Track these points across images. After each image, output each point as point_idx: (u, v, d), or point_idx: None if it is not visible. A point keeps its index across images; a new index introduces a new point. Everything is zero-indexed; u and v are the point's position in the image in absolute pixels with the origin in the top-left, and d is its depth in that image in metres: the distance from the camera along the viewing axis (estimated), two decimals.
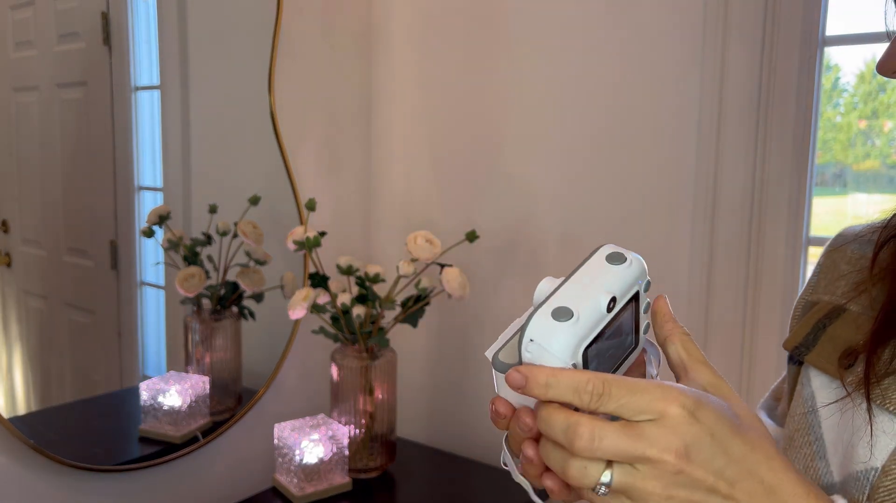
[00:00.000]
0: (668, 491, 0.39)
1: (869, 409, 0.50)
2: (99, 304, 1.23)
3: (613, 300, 0.42)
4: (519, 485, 0.47)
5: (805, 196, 1.21)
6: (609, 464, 0.39)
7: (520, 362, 0.41)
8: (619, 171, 1.37)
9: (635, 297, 0.45)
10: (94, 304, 1.23)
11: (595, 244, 0.46)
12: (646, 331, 0.48)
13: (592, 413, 0.39)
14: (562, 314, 0.40)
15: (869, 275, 0.55)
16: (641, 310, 0.47)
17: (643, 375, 0.50)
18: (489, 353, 0.44)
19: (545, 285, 0.44)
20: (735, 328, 1.26)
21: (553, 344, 0.40)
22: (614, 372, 0.45)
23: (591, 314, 0.41)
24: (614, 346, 0.44)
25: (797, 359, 0.60)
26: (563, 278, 0.44)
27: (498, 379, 0.43)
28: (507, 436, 0.47)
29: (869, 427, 0.50)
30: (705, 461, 0.39)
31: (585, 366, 0.41)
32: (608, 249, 0.45)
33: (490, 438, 1.56)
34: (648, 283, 0.46)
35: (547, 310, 0.41)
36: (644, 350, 0.50)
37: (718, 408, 0.40)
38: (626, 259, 0.45)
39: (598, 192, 1.39)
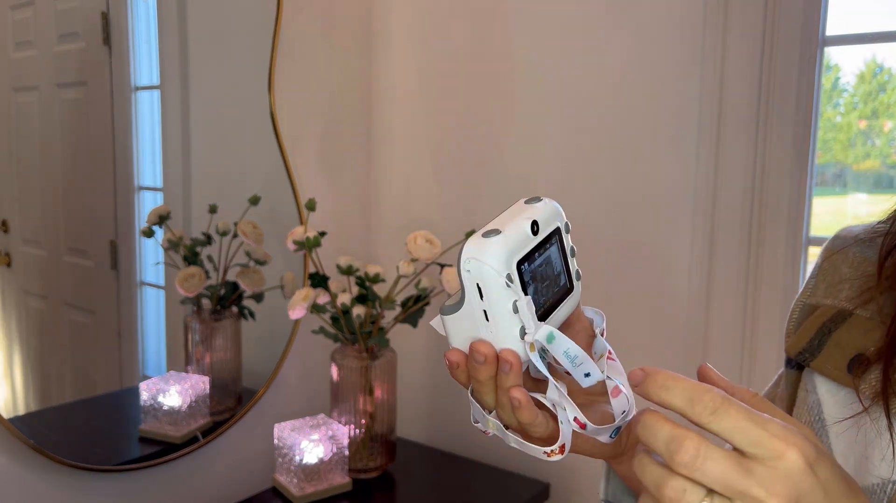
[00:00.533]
0: None
1: (889, 421, 0.48)
2: (99, 304, 1.23)
3: (536, 224, 0.46)
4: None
5: (805, 196, 1.21)
6: (709, 493, 0.36)
7: (462, 297, 0.44)
8: (619, 171, 1.37)
9: (558, 234, 0.49)
10: (94, 304, 1.23)
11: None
12: (578, 279, 0.51)
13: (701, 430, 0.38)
14: (490, 233, 0.44)
15: (876, 282, 0.54)
16: (568, 254, 0.50)
17: (590, 337, 0.52)
18: (434, 323, 0.48)
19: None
20: (735, 328, 1.26)
21: (486, 256, 0.43)
22: (552, 310, 0.48)
23: (517, 233, 0.45)
24: (549, 279, 0.48)
25: (799, 364, 0.58)
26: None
27: (449, 328, 0.46)
28: (471, 389, 0.47)
29: (885, 438, 0.48)
30: None
31: (522, 282, 0.44)
32: (525, 197, 0.50)
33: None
34: (568, 226, 0.50)
35: (478, 233, 0.45)
36: (591, 319, 0.53)
37: (834, 465, 0.37)
38: (541, 199, 0.49)
39: (597, 192, 1.39)
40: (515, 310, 0.44)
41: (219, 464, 1.40)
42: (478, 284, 0.44)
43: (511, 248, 0.44)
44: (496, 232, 0.44)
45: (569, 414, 0.46)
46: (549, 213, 0.48)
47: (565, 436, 0.46)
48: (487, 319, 0.44)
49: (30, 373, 1.14)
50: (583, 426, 0.46)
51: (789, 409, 0.59)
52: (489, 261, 0.43)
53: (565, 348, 0.45)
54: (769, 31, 1.19)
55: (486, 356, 0.44)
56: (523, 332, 0.44)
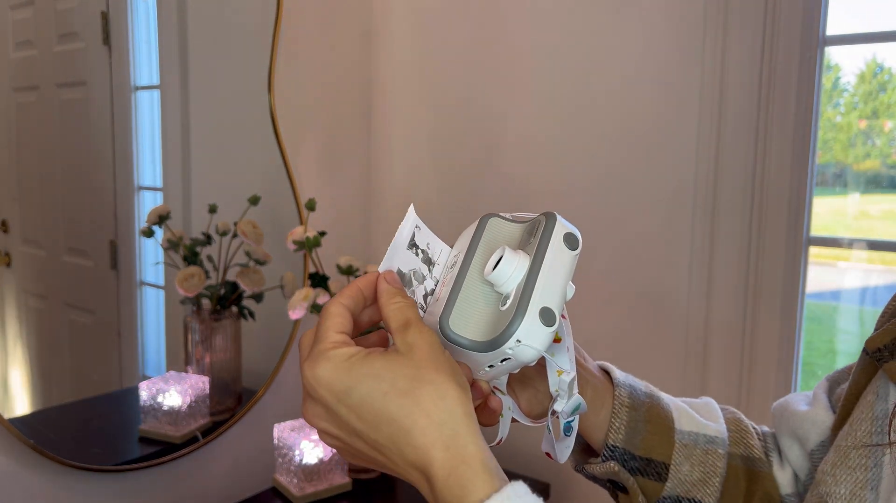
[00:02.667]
0: (317, 422, 0.44)
1: None
2: (99, 304, 1.23)
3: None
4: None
5: (805, 196, 1.21)
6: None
7: (493, 344, 0.44)
8: (620, 170, 1.37)
9: None
10: (94, 304, 1.23)
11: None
12: None
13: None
14: (548, 319, 0.43)
15: None
16: None
17: None
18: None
19: (513, 260, 0.45)
20: (735, 328, 1.26)
21: (538, 344, 0.43)
22: None
23: (560, 311, 0.45)
24: None
25: (877, 359, 0.52)
26: (526, 254, 0.46)
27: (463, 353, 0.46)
28: None
29: None
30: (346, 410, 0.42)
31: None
32: (562, 227, 0.47)
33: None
34: None
35: (534, 311, 0.43)
36: None
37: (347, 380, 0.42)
38: (578, 244, 0.47)
39: (597, 192, 1.39)
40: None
41: (219, 464, 1.40)
42: (507, 359, 0.44)
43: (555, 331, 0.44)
44: (552, 319, 0.43)
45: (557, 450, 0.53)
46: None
47: (503, 431, 0.52)
48: (488, 368, 0.46)
49: (30, 373, 1.14)
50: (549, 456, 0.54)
51: (852, 393, 0.54)
52: (539, 347, 0.43)
53: (576, 404, 0.50)
54: (769, 31, 1.19)
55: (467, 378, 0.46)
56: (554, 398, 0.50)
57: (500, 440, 0.52)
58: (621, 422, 0.58)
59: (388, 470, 0.43)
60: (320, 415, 0.44)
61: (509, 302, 0.44)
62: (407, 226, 0.49)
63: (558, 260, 0.46)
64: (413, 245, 0.49)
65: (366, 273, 1.43)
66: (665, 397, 0.62)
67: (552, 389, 0.51)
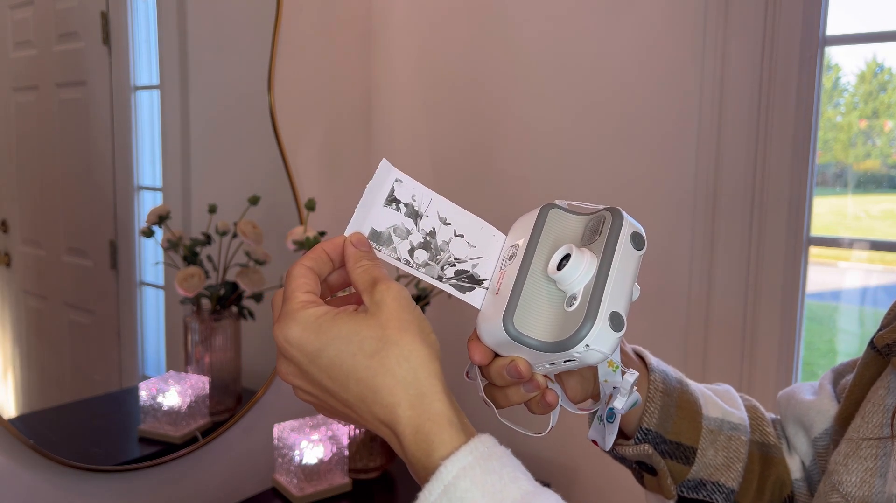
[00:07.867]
0: (291, 380, 0.46)
1: None
2: (98, 304, 1.23)
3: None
4: None
5: (805, 196, 1.21)
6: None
7: (561, 346, 0.43)
8: (620, 170, 1.37)
9: None
10: (94, 304, 1.23)
11: None
12: None
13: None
14: (617, 324, 0.43)
15: None
16: None
17: None
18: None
19: (581, 260, 0.44)
20: (735, 328, 1.26)
21: (606, 348, 0.42)
22: None
23: (627, 315, 0.44)
24: None
25: (885, 354, 0.54)
26: (593, 254, 0.45)
27: (494, 333, 0.46)
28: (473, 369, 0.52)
29: None
30: (318, 370, 0.44)
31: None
32: (630, 226, 0.46)
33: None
34: None
35: (604, 316, 0.42)
36: None
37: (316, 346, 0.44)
38: (644, 244, 0.47)
39: (598, 192, 1.39)
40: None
41: (219, 465, 1.39)
42: (571, 360, 0.43)
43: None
44: (621, 325, 0.42)
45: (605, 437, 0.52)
46: None
47: (554, 420, 0.52)
48: (549, 365, 0.45)
49: (30, 373, 1.14)
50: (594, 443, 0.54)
51: (857, 385, 0.56)
52: (607, 352, 0.42)
53: (634, 401, 0.50)
54: (769, 31, 1.19)
55: (522, 376, 0.47)
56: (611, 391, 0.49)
57: (551, 428, 0.52)
58: (655, 407, 0.60)
59: (361, 425, 0.44)
60: (294, 373, 0.46)
61: (576, 303, 0.43)
62: (384, 182, 0.48)
63: (626, 261, 0.45)
64: (393, 200, 0.48)
65: None
66: (692, 384, 0.64)
67: (601, 379, 0.51)
